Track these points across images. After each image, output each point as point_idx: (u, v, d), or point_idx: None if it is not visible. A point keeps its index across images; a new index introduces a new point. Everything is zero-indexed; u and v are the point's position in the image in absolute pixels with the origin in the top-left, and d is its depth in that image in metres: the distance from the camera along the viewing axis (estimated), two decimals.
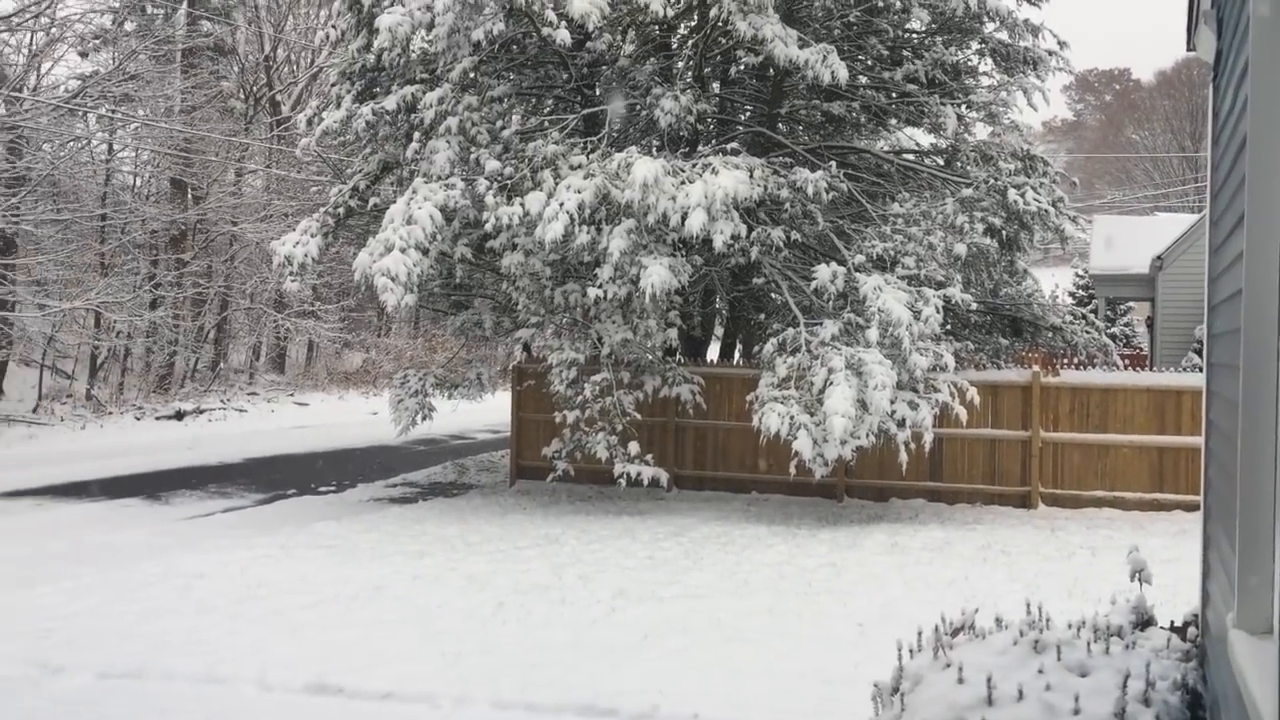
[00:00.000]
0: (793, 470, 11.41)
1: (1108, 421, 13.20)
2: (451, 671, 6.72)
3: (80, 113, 24.34)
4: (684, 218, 11.17)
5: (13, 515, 12.53)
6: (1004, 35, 14.72)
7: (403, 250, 11.27)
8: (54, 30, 23.44)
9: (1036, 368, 13.61)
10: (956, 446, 13.53)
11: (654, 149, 13.25)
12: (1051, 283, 32.08)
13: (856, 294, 11.93)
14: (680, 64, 14.84)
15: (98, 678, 6.60)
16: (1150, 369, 19.85)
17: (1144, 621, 4.30)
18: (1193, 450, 12.54)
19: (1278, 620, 2.56)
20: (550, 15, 11.79)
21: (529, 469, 14.93)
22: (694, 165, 11.89)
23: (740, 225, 11.62)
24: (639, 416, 13.02)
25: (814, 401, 11.19)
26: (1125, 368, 17.20)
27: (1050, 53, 14.87)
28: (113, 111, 25.09)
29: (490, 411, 20.23)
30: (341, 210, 13.76)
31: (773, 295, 14.38)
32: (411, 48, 12.01)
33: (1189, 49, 4.24)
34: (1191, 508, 12.35)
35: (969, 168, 14.11)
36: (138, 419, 23.08)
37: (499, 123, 12.71)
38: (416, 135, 12.57)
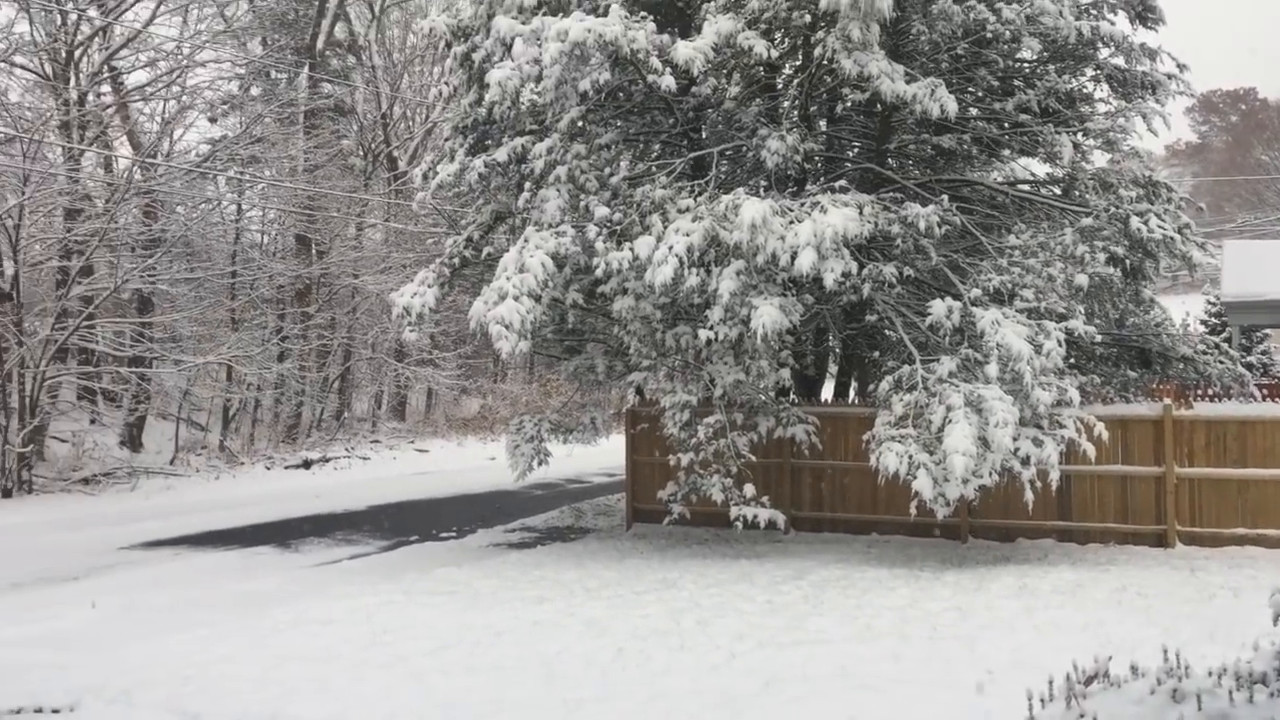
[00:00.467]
0: (913, 511, 11.17)
1: (1247, 455, 12.61)
2: (573, 719, 6.72)
3: (210, 175, 25.53)
4: (793, 257, 11.11)
5: (152, 565, 13.04)
6: (1119, 60, 14.34)
7: (516, 298, 11.45)
8: (185, 98, 24.69)
9: (1168, 400, 13.09)
10: (1085, 484, 13.08)
11: (761, 189, 13.24)
12: (1181, 311, 30.90)
13: (974, 329, 11.67)
14: (785, 104, 14.84)
15: None
16: None
17: None
18: None
19: None
20: (655, 63, 11.93)
21: (645, 512, 14.94)
22: (802, 204, 11.84)
23: (851, 262, 11.50)
24: (753, 458, 12.93)
25: (933, 440, 10.95)
26: (1263, 398, 16.42)
27: (1169, 76, 14.44)
28: (241, 173, 26.25)
29: (605, 455, 20.36)
30: (456, 260, 14.07)
31: (886, 332, 14.18)
32: (521, 100, 12.27)
33: None
34: None
35: (1088, 196, 13.73)
36: (268, 468, 23.88)
37: (607, 169, 12.87)
38: (527, 185, 12.81)
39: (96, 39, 22.97)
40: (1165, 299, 20.15)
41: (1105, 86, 14.73)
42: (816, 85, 13.93)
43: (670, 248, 11.25)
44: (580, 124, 12.91)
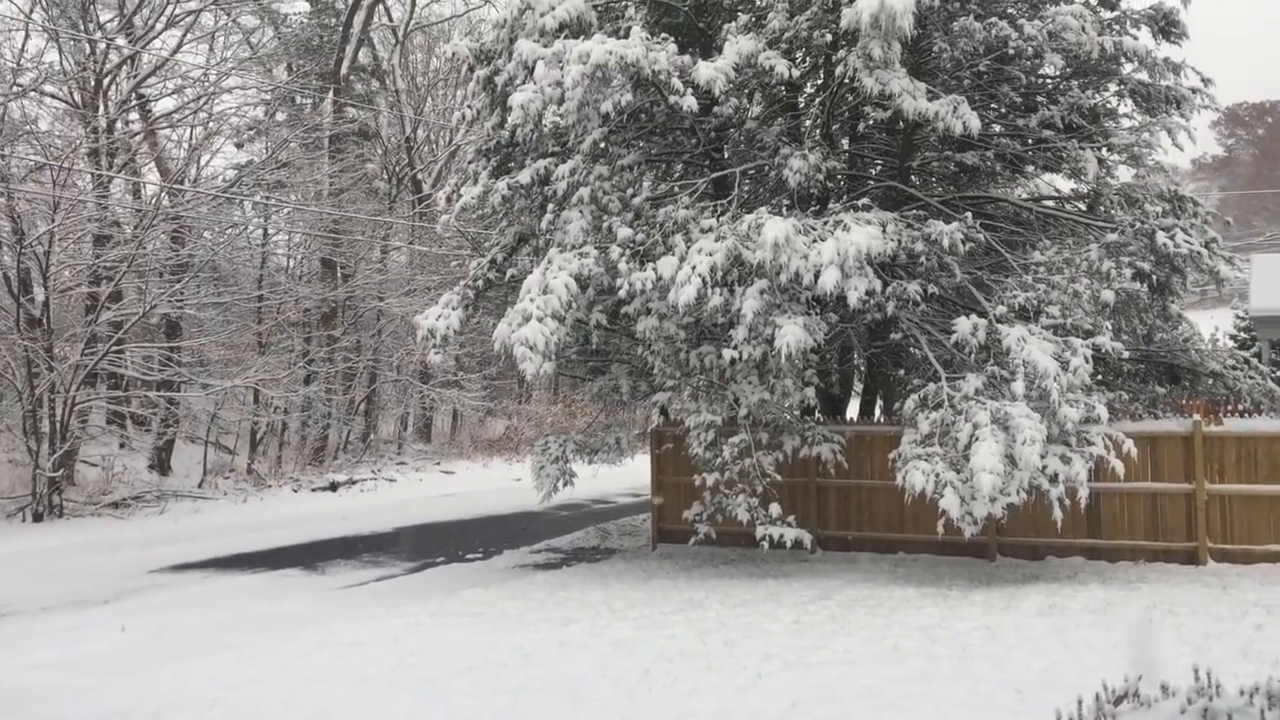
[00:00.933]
0: (940, 529, 11.10)
1: (1279, 471, 12.46)
2: None
3: (237, 200, 25.80)
4: (817, 276, 11.10)
5: (182, 587, 13.12)
6: (1143, 75, 14.28)
7: (540, 319, 11.49)
8: (211, 124, 25.00)
9: (1197, 416, 12.97)
10: (1115, 501, 12.96)
11: (784, 208, 13.26)
12: (1210, 326, 30.60)
13: (999, 346, 11.62)
14: (807, 123, 14.86)
15: None
16: None
17: None
18: None
19: None
20: (677, 84, 11.98)
21: (670, 532, 14.92)
22: (825, 223, 11.83)
23: (875, 281, 11.49)
24: (779, 477, 12.90)
25: (959, 458, 10.89)
26: None
27: (1194, 90, 14.36)
28: (267, 198, 26.51)
29: (630, 475, 20.32)
30: (481, 282, 14.14)
31: (911, 350, 14.14)
32: (543, 123, 12.34)
33: None
34: None
35: (1113, 212, 13.65)
36: (295, 491, 24.00)
37: (629, 190, 12.92)
38: (550, 206, 12.88)
39: (124, 67, 23.32)
40: (1193, 314, 19.97)
41: (1129, 101, 14.68)
42: (838, 104, 13.95)
43: (693, 267, 11.27)
44: (602, 145, 12.97)
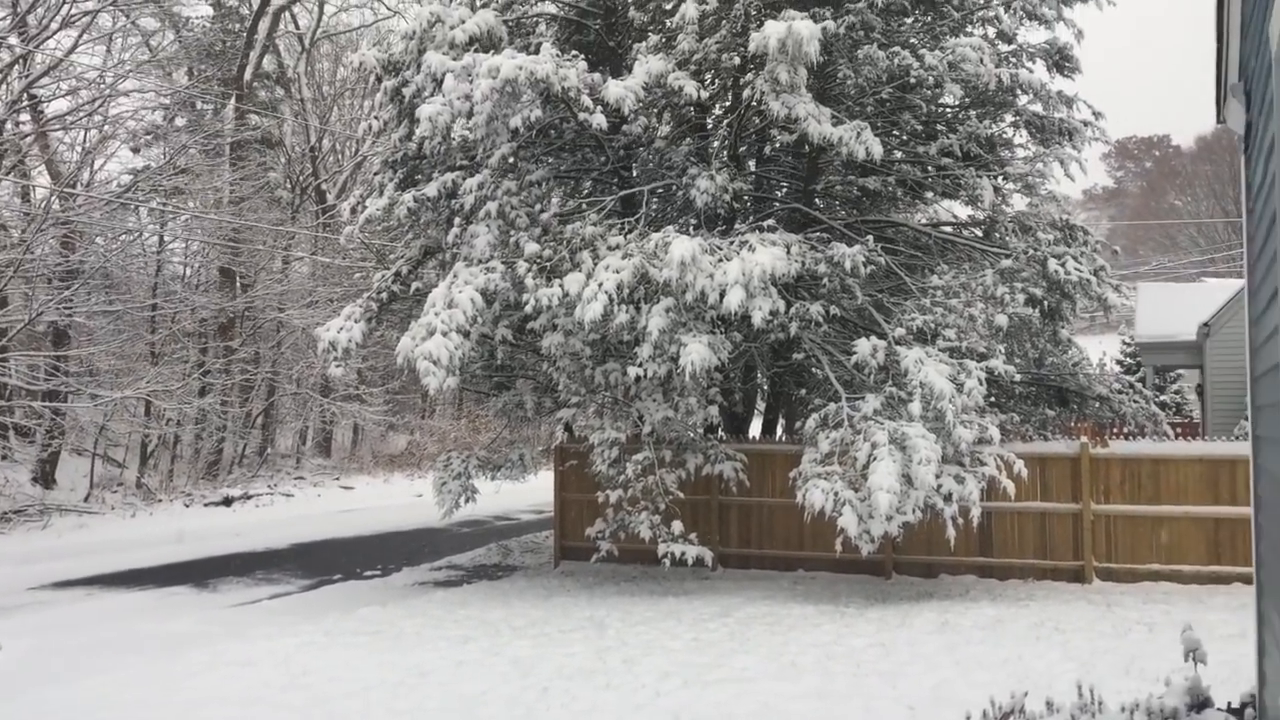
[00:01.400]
0: (839, 547, 11.26)
1: (1160, 492, 12.93)
2: None
3: (132, 206, 25.03)
4: (722, 295, 11.21)
5: (65, 605, 12.63)
6: (1038, 107, 14.79)
7: (444, 334, 11.39)
8: (107, 128, 24.23)
9: (1085, 438, 13.39)
10: (1006, 521, 13.31)
11: (691, 228, 13.37)
12: (1099, 351, 31.70)
13: (898, 367, 11.86)
14: (716, 144, 15.03)
15: None
16: (1202, 438, 19.47)
17: (1199, 703, 4.18)
18: (1249, 522, 12.22)
19: None
20: (586, 101, 12.02)
21: (573, 550, 14.87)
22: (731, 243, 11.97)
23: (779, 301, 11.64)
24: (682, 495, 12.95)
25: (858, 477, 11.08)
26: (1176, 437, 16.88)
27: (1086, 123, 14.91)
28: (163, 204, 25.79)
29: (534, 492, 20.22)
30: (385, 295, 13.97)
31: (813, 370, 14.33)
32: (452, 136, 12.26)
33: (1219, 121, 4.24)
34: (1252, 580, 12.00)
35: (1008, 239, 14.08)
36: (187, 506, 23.31)
37: (538, 206, 12.90)
38: (457, 220, 12.79)
39: (16, 66, 22.49)
40: (1082, 339, 20.65)
41: (1024, 132, 15.17)
42: (746, 126, 14.13)
43: (600, 285, 11.29)
44: (511, 160, 12.94)
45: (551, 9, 15.79)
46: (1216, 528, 12.73)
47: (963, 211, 16.52)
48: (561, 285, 11.57)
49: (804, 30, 11.32)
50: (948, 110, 14.88)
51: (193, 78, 30.58)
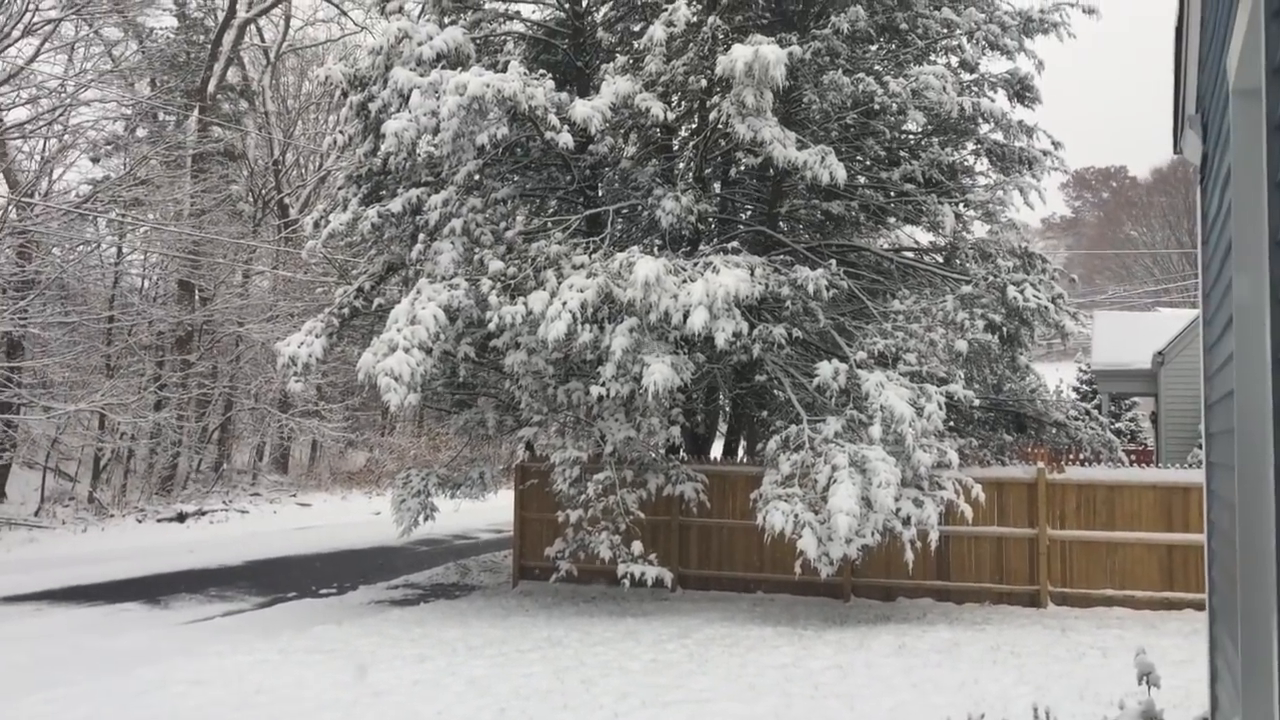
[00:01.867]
0: (798, 570, 11.29)
1: (1115, 519, 13.09)
2: None
3: (90, 217, 24.72)
4: (686, 316, 11.25)
5: (11, 621, 12.38)
6: (999, 136, 14.99)
7: (406, 350, 11.33)
8: (66, 137, 23.96)
9: (1041, 464, 13.54)
10: (963, 545, 13.40)
11: (656, 248, 13.41)
12: (1055, 378, 32.08)
13: (859, 390, 11.94)
14: (681, 165, 15.10)
15: None
16: (1156, 465, 19.74)
17: None
18: (1201, 548, 12.40)
19: None
20: (553, 120, 12.05)
21: (532, 569, 14.79)
22: (695, 264, 12.01)
23: (742, 323, 11.69)
24: (642, 515, 12.93)
25: (818, 499, 11.12)
26: (1131, 464, 17.10)
27: (1045, 152, 15.12)
28: (123, 215, 25.49)
29: (494, 510, 20.12)
30: (346, 311, 13.88)
31: (775, 392, 14.41)
32: (417, 152, 12.24)
33: (1175, 152, 4.32)
34: (1203, 607, 12.16)
35: (968, 265, 14.24)
36: (139, 521, 22.96)
37: (503, 224, 12.90)
38: (421, 237, 12.75)
39: None
40: (1040, 366, 20.91)
41: (985, 160, 15.37)
42: (711, 148, 14.22)
43: (564, 303, 11.28)
44: (477, 177, 12.93)
45: (520, 28, 15.86)
46: (1169, 554, 12.90)
47: (924, 237, 16.71)
48: (525, 303, 11.55)
49: (770, 55, 11.42)
50: (911, 137, 15.06)
51: (155, 88, 30.32)
